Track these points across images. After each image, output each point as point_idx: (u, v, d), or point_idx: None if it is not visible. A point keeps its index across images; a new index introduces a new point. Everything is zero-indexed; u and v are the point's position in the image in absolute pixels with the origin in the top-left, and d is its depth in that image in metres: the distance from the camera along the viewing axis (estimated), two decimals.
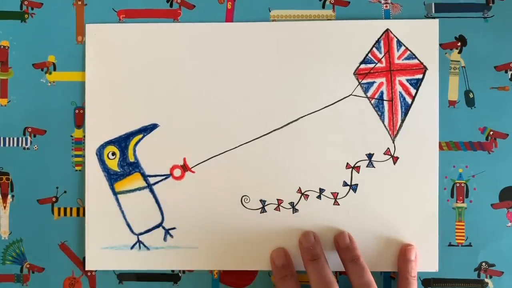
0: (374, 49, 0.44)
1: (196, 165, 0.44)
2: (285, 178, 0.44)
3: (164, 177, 0.44)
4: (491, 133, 0.44)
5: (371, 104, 0.44)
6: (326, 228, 0.43)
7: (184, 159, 0.44)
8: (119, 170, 0.44)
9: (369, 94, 0.44)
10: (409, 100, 0.43)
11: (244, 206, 0.44)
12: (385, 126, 0.43)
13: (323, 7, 0.44)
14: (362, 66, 0.44)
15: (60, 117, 0.44)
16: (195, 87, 0.44)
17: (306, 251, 0.42)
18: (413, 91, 0.43)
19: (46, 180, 0.44)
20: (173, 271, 0.44)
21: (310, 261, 0.41)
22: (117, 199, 0.44)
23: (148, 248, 0.44)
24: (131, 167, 0.44)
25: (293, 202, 0.44)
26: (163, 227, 0.44)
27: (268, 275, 0.44)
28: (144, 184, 0.44)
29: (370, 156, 0.43)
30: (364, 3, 0.44)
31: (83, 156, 0.44)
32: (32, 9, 0.45)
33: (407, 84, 0.44)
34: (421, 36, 0.43)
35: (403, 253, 0.42)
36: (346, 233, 0.43)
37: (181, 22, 0.44)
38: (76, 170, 0.44)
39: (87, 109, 0.44)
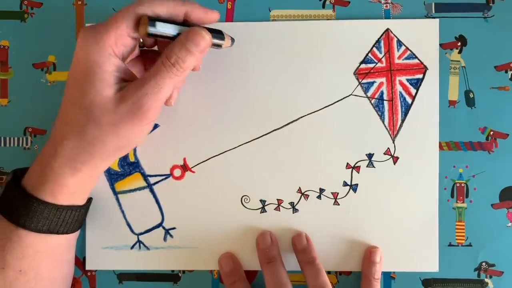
0: (374, 49, 0.44)
1: (196, 165, 0.44)
2: (285, 178, 0.44)
3: (164, 177, 0.44)
4: (491, 133, 0.43)
5: (371, 104, 0.44)
6: (326, 228, 0.43)
7: (184, 159, 0.44)
8: (119, 170, 0.44)
9: (369, 94, 0.44)
10: (409, 100, 0.43)
11: (244, 206, 0.44)
12: (385, 126, 0.43)
13: (323, 7, 0.44)
14: (362, 66, 0.44)
15: None
16: (195, 87, 0.44)
17: (262, 253, 0.42)
18: (413, 91, 0.43)
19: None
20: (173, 271, 0.44)
21: (266, 263, 0.41)
22: (117, 199, 0.44)
23: (148, 248, 0.44)
24: (131, 167, 0.44)
25: (293, 202, 0.44)
26: (163, 227, 0.44)
27: None
28: (144, 184, 0.44)
29: (370, 156, 0.43)
30: (364, 3, 0.44)
31: None
32: (32, 9, 0.45)
33: (407, 84, 0.44)
34: (421, 36, 0.43)
35: (368, 255, 0.42)
36: (303, 234, 0.43)
37: None
38: None
39: None
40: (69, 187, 0.36)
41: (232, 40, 0.41)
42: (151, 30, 0.35)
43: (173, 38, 0.36)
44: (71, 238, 0.40)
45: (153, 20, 0.35)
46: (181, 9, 0.36)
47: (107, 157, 0.37)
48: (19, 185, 0.37)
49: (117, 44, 0.35)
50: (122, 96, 0.35)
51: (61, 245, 0.39)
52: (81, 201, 0.38)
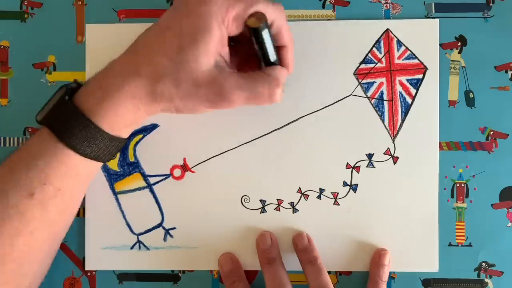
0: (374, 49, 0.44)
1: (196, 165, 0.44)
2: (285, 178, 0.44)
3: (164, 177, 0.44)
4: (491, 133, 0.44)
5: (371, 104, 0.44)
6: (326, 228, 0.43)
7: (184, 159, 0.44)
8: (119, 170, 0.44)
9: (369, 94, 0.44)
10: (409, 100, 0.43)
11: (244, 206, 0.44)
12: (385, 126, 0.43)
13: (323, 7, 0.44)
14: (362, 66, 0.44)
15: None
16: None
17: (262, 253, 0.42)
18: (413, 91, 0.43)
19: None
20: (173, 271, 0.44)
21: (266, 264, 0.41)
22: (117, 199, 0.44)
23: (148, 248, 0.44)
24: (131, 167, 0.44)
25: (293, 202, 0.44)
26: (163, 227, 0.44)
27: None
28: (144, 184, 0.44)
29: (370, 156, 0.43)
30: (364, 3, 0.44)
31: None
32: (32, 9, 0.45)
33: (407, 84, 0.44)
34: (421, 36, 0.43)
35: (377, 257, 0.42)
36: (304, 234, 0.43)
37: None
38: None
39: None
40: (126, 121, 0.36)
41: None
42: (261, 28, 0.35)
43: (259, 48, 0.36)
44: (100, 166, 0.40)
45: (267, 24, 0.35)
46: (285, 41, 0.38)
47: (165, 110, 0.37)
48: (74, 104, 0.36)
49: (231, 19, 0.35)
50: (214, 79, 0.35)
51: (94, 171, 0.40)
52: (126, 135, 0.38)
